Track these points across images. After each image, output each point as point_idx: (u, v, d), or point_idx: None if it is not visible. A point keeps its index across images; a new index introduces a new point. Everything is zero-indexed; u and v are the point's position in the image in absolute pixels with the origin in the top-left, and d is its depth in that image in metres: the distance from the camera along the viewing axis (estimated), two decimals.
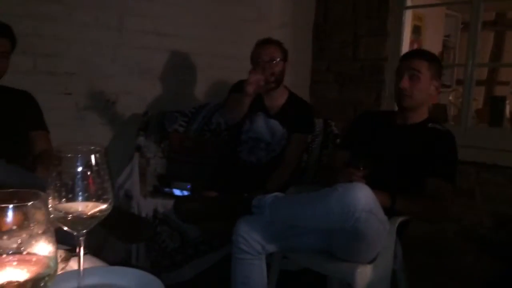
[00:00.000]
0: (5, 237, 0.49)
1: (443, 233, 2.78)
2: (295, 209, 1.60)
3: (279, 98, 2.40)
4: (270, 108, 2.39)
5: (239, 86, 2.28)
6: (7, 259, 0.50)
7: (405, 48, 3.31)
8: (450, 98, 4.34)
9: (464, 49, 2.97)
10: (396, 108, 2.07)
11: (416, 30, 4.86)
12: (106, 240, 1.95)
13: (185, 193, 2.25)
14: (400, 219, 1.75)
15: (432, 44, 5.16)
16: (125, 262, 2.07)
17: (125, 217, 1.80)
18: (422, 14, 4.85)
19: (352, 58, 3.37)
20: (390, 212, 1.68)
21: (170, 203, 2.09)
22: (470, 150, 2.74)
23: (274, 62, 2.29)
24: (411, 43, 4.44)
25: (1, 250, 0.49)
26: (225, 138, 2.51)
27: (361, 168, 1.69)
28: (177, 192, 2.26)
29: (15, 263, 0.50)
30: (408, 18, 3.29)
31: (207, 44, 2.96)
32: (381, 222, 1.57)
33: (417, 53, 1.99)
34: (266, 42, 2.36)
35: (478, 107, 4.26)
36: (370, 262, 1.62)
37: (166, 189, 2.28)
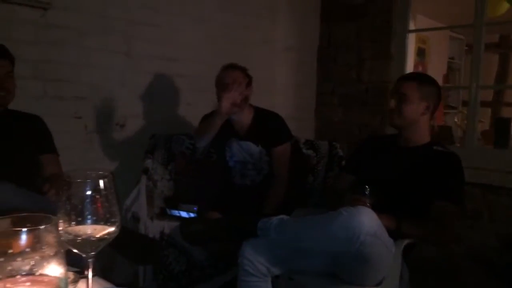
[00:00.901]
0: (19, 259, 0.52)
1: (449, 255, 2.76)
2: (300, 232, 1.61)
3: (245, 118, 2.41)
4: (240, 131, 2.41)
5: (210, 116, 2.33)
6: (20, 280, 0.52)
7: (409, 70, 3.36)
8: (456, 120, 4.35)
9: (469, 71, 3.01)
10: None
11: (421, 53, 4.91)
12: (113, 262, 1.96)
13: (192, 215, 2.26)
14: (405, 242, 1.74)
15: (437, 66, 5.21)
16: (133, 284, 2.08)
17: (135, 238, 1.83)
18: (426, 37, 4.91)
19: (356, 81, 3.42)
20: (395, 235, 1.69)
21: (176, 225, 2.11)
22: (476, 171, 2.74)
23: (236, 86, 2.28)
24: (416, 65, 4.49)
25: (15, 271, 0.52)
26: (218, 166, 2.53)
27: (367, 194, 1.70)
28: (184, 214, 2.27)
29: (28, 283, 0.52)
30: (411, 41, 3.35)
31: (213, 68, 3.00)
32: (386, 245, 1.58)
33: (408, 76, 2.03)
34: (231, 67, 2.42)
35: (484, 129, 4.26)
36: (376, 285, 1.62)
37: (173, 212, 2.30)
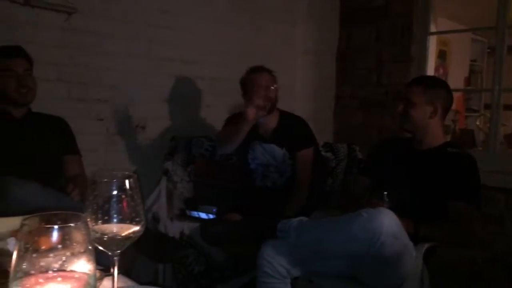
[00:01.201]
0: (51, 255, 0.53)
1: (472, 259, 2.71)
2: (320, 233, 1.61)
3: (271, 122, 2.41)
4: (264, 134, 2.40)
5: (234, 119, 2.34)
6: (52, 276, 0.54)
7: (430, 73, 3.32)
8: (478, 123, 4.28)
9: (491, 74, 2.96)
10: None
11: (442, 55, 4.85)
12: (133, 261, 1.99)
13: (211, 216, 2.28)
14: (426, 246, 1.73)
15: (458, 68, 5.14)
16: (153, 282, 2.11)
17: (158, 238, 1.86)
18: (447, 39, 4.84)
19: (376, 84, 3.40)
20: (415, 238, 1.67)
21: (196, 226, 2.13)
22: (498, 175, 2.70)
23: (273, 87, 2.32)
24: (437, 68, 4.44)
25: (47, 267, 0.53)
26: (239, 168, 2.54)
27: (385, 198, 1.70)
28: (203, 215, 2.29)
29: (59, 279, 0.54)
30: (432, 44, 3.31)
31: (232, 70, 3.02)
32: (406, 247, 1.57)
33: (415, 81, 2.02)
34: (260, 70, 2.40)
35: (507, 132, 4.18)
36: None
37: (193, 213, 2.32)
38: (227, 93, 3.04)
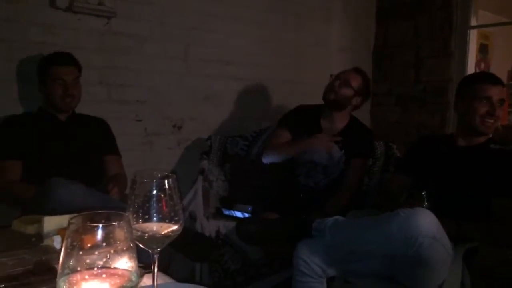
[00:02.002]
0: (95, 252, 0.56)
1: None
2: (356, 233, 1.60)
3: (339, 122, 2.42)
4: (327, 131, 2.40)
5: (297, 114, 2.36)
6: (97, 272, 0.57)
7: (471, 68, 3.22)
8: None
9: None
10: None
11: (483, 49, 4.68)
12: (171, 259, 2.04)
13: (246, 215, 2.30)
14: (467, 246, 1.69)
15: (501, 62, 4.94)
16: (190, 280, 2.15)
17: (195, 237, 1.90)
18: (489, 33, 4.66)
19: (414, 80, 3.33)
20: (456, 238, 1.63)
21: (232, 224, 2.16)
22: None
23: (346, 86, 2.35)
24: (478, 62, 4.29)
25: (92, 264, 0.56)
26: (285, 161, 2.56)
27: (424, 199, 1.66)
28: (238, 214, 2.32)
29: (104, 275, 0.57)
30: (473, 38, 3.21)
31: (268, 70, 3.05)
32: (446, 248, 1.53)
33: (490, 78, 1.91)
34: (354, 70, 2.44)
35: None
36: None
37: (228, 211, 2.35)
38: (263, 92, 3.06)
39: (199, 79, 2.81)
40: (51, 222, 1.07)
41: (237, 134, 2.76)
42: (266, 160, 2.45)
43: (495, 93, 1.83)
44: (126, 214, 0.76)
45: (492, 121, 1.84)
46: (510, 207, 1.70)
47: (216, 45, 2.86)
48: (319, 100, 2.43)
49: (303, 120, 2.44)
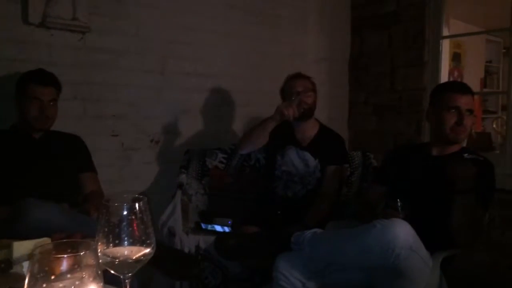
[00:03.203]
0: (61, 285, 0.55)
1: (494, 266, 2.66)
2: (334, 245, 1.61)
3: (310, 130, 2.45)
4: (301, 141, 2.44)
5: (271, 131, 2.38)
6: None
7: (444, 77, 3.28)
8: (494, 126, 4.21)
9: (508, 74, 2.91)
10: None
11: (456, 58, 4.79)
12: (151, 278, 2.01)
13: (226, 229, 2.29)
14: (444, 254, 1.71)
15: (474, 70, 5.07)
16: None
17: (174, 254, 1.87)
18: (461, 41, 4.78)
19: (390, 89, 3.38)
20: (432, 247, 1.65)
21: (211, 239, 2.14)
22: None
23: (308, 94, 2.38)
24: (451, 71, 4.38)
25: None
26: (263, 174, 2.57)
27: (399, 208, 1.68)
28: (218, 228, 2.30)
29: None
30: (446, 47, 3.27)
31: (245, 81, 3.06)
32: (423, 258, 1.55)
33: (460, 88, 1.95)
34: (298, 76, 2.47)
35: None
36: None
37: (208, 226, 2.33)
38: (240, 104, 3.06)
39: (176, 92, 2.80)
40: (21, 248, 1.04)
41: (216, 147, 2.75)
42: (243, 150, 2.48)
43: (463, 102, 1.86)
44: (95, 239, 0.75)
45: (461, 130, 1.87)
46: (476, 210, 1.73)
47: (194, 58, 2.85)
48: None
49: (278, 136, 2.43)
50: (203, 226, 2.33)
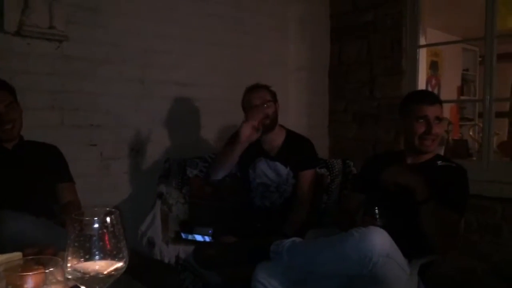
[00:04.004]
0: None
1: (471, 271, 2.70)
2: (312, 254, 1.61)
3: (276, 139, 2.43)
4: (270, 151, 2.42)
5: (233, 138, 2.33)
6: None
7: (422, 85, 3.34)
8: (471, 133, 4.30)
9: (483, 82, 2.98)
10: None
11: (434, 66, 4.89)
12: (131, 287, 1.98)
13: (207, 238, 2.27)
14: (421, 261, 1.73)
15: (451, 78, 5.18)
16: None
17: (151, 264, 1.86)
18: (439, 50, 4.89)
19: (369, 97, 3.42)
20: (410, 254, 1.67)
21: (191, 249, 2.12)
22: (494, 185, 2.70)
23: (266, 105, 2.33)
24: (429, 79, 4.47)
25: None
26: (241, 186, 2.55)
27: (377, 217, 1.70)
28: (198, 237, 2.29)
29: None
30: (423, 56, 3.34)
31: (225, 90, 3.06)
32: (400, 265, 1.56)
33: (428, 98, 1.99)
34: (255, 88, 2.41)
35: (502, 140, 4.19)
36: None
37: (188, 235, 2.32)
38: (221, 113, 3.06)
39: (156, 101, 2.78)
40: None
41: (196, 156, 2.74)
42: (216, 176, 2.41)
43: (431, 111, 1.88)
44: (65, 254, 0.74)
45: (430, 139, 1.89)
46: (451, 216, 1.75)
47: (174, 66, 2.85)
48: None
49: (246, 150, 2.32)
50: (183, 236, 2.32)
